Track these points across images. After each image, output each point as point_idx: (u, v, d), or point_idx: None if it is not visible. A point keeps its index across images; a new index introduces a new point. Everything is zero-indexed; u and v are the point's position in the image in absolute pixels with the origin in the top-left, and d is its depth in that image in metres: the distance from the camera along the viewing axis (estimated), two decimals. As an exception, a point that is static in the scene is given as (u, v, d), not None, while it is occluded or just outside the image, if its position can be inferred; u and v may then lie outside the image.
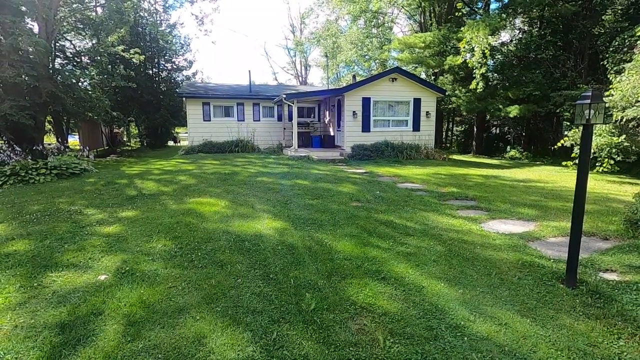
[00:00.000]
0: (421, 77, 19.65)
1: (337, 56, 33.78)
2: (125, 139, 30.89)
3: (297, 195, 6.57)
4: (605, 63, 12.17)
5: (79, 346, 2.35)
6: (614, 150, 9.10)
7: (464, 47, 13.94)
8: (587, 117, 3.13)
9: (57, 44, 18.77)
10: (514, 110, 14.52)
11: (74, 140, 24.78)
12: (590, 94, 3.13)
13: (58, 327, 2.54)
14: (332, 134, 15.90)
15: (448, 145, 25.44)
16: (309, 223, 4.98)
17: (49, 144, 17.21)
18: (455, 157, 16.69)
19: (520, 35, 18.05)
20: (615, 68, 11.36)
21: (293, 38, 43.43)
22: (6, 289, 3.08)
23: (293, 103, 13.45)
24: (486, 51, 12.91)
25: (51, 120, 19.85)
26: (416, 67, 20.49)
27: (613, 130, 9.43)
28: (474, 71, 13.85)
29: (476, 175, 10.15)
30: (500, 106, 15.21)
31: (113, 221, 5.00)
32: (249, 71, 17.30)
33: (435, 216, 5.58)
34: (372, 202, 6.37)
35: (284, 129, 16.66)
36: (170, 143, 31.76)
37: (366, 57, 29.74)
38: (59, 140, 18.31)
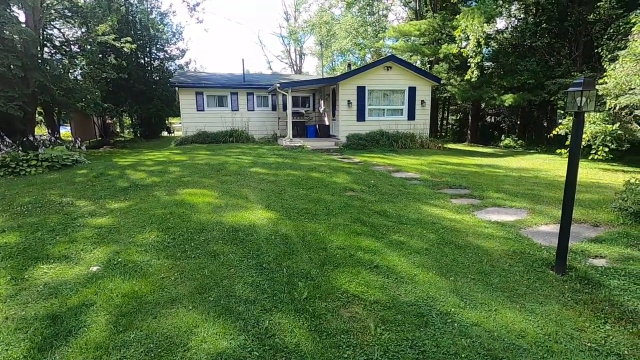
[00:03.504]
0: (416, 65, 19.50)
1: (332, 44, 33.39)
2: (118, 130, 30.52)
3: (291, 186, 6.56)
4: (600, 51, 12.13)
5: (70, 337, 2.35)
6: (608, 138, 9.15)
7: (459, 36, 13.82)
8: (579, 105, 3.13)
9: (45, 33, 18.33)
10: (508, 99, 14.49)
11: (66, 132, 24.42)
12: (582, 81, 3.12)
13: (49, 319, 2.53)
14: (327, 123, 15.81)
15: (443, 134, 25.45)
16: (303, 213, 4.98)
17: (40, 135, 16.94)
18: (450, 146, 16.71)
19: (516, 23, 17.91)
20: (609, 56, 11.34)
21: (287, 26, 42.79)
22: (-4, 282, 3.05)
23: (287, 92, 13.31)
24: (481, 40, 12.82)
25: (42, 111, 19.51)
26: (411, 55, 20.32)
27: (607, 118, 9.47)
28: (469, 60, 13.76)
29: (470, 164, 10.19)
30: (495, 95, 15.18)
31: (105, 213, 4.96)
32: (242, 60, 17.08)
33: (428, 205, 5.61)
34: (366, 191, 6.37)
35: (279, 118, 16.54)
36: (164, 133, 31.45)
37: (361, 45, 29.42)
38: (50, 131, 18.04)
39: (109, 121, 26.76)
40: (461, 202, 5.89)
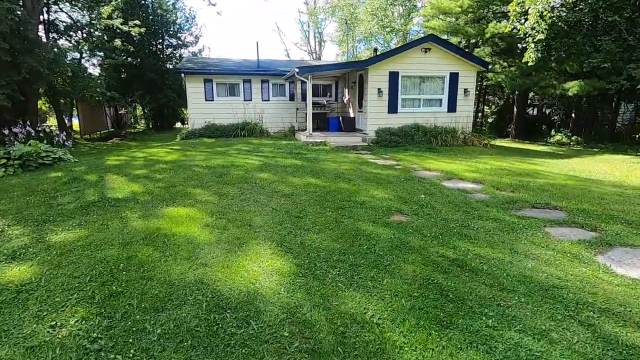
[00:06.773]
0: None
1: (355, 28, 30.94)
2: (132, 121, 29.36)
3: (314, 204, 4.71)
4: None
5: None
6: None
7: (514, 10, 11.45)
8: None
9: (49, 16, 17.00)
10: (573, 87, 12.01)
11: (77, 122, 23.39)
12: None
13: None
14: (351, 115, 13.80)
15: (478, 127, 22.90)
16: (335, 263, 3.12)
17: (49, 126, 15.72)
18: (494, 142, 14.40)
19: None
20: None
21: (307, 10, 40.49)
22: None
23: (307, 79, 11.37)
24: (545, 13, 10.44)
25: (47, 101, 18.35)
26: (449, 37, 17.89)
27: None
28: (526, 39, 11.38)
29: (539, 170, 8.05)
30: (555, 82, 12.71)
31: (34, 253, 3.26)
32: (257, 42, 15.11)
33: (522, 244, 3.64)
34: (420, 215, 4.45)
35: (297, 109, 14.63)
36: (178, 124, 30.14)
37: (388, 28, 26.89)
38: (58, 123, 16.84)
39: (122, 111, 25.50)
40: (566, 237, 3.90)
